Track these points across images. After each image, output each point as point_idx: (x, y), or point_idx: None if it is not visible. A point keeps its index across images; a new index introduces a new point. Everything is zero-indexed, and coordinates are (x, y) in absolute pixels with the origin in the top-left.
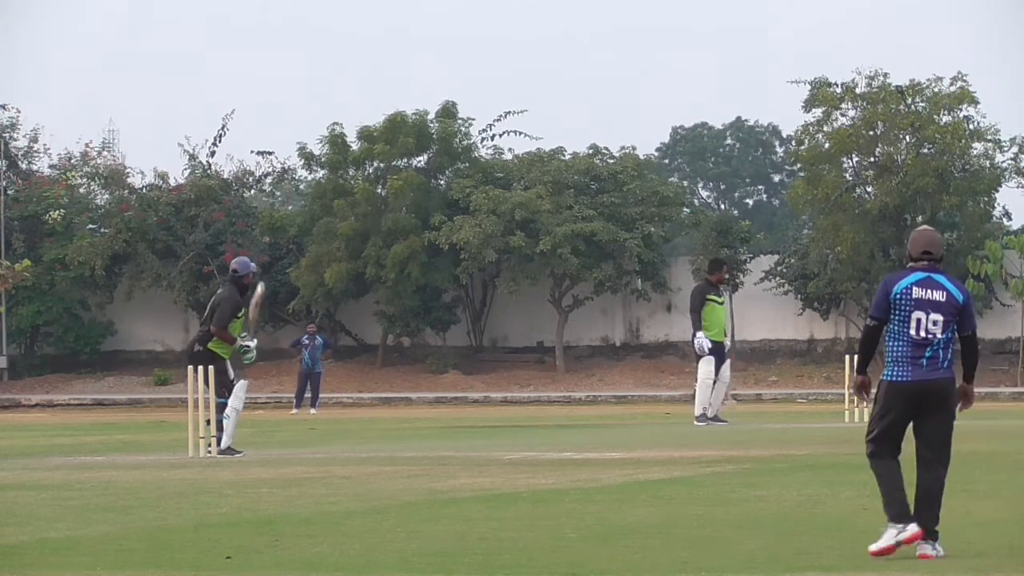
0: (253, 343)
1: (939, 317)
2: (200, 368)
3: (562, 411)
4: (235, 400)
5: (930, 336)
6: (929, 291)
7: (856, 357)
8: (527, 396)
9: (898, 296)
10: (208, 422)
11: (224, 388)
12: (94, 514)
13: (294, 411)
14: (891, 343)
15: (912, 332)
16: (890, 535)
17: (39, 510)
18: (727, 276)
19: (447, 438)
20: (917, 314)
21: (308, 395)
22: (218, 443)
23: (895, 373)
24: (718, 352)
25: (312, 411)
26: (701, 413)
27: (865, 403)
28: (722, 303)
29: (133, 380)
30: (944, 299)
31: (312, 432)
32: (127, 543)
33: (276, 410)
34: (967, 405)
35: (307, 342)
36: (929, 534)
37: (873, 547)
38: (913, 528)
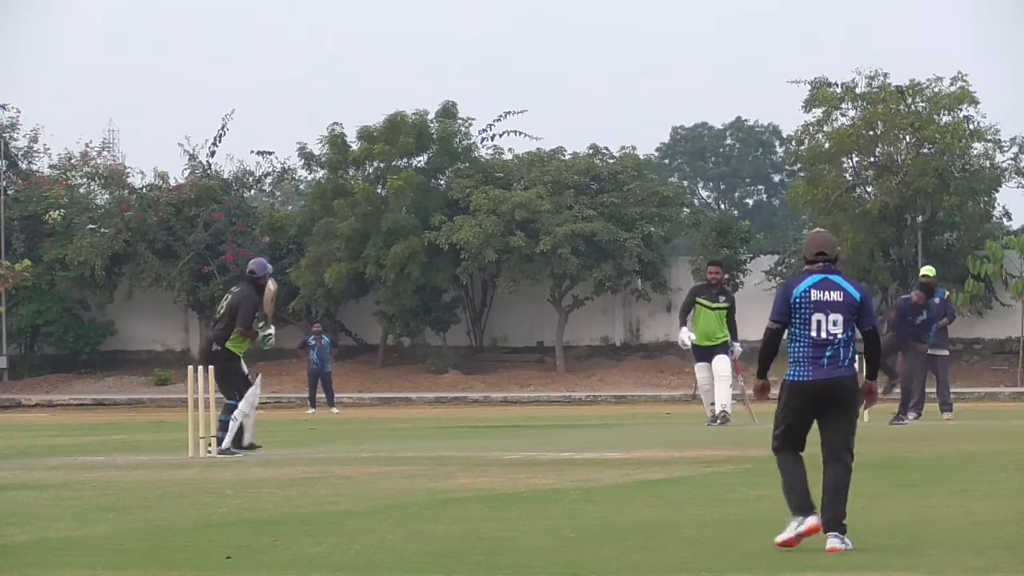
0: (271, 329)
1: (839, 317)
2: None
3: (562, 411)
4: (245, 405)
5: (831, 336)
6: (827, 292)
7: (759, 360)
8: (527, 396)
9: (798, 300)
10: (221, 421)
11: (235, 390)
12: (94, 514)
13: (311, 411)
14: (793, 345)
15: (813, 333)
16: (791, 527)
17: (39, 510)
18: (721, 276)
19: (447, 438)
20: (817, 316)
21: (321, 394)
22: (219, 443)
23: (796, 373)
24: (705, 356)
25: (334, 410)
26: (711, 415)
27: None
28: (714, 308)
29: (133, 380)
30: (842, 299)
31: (312, 432)
32: (127, 543)
33: (276, 410)
34: (871, 402)
35: (314, 342)
36: (837, 527)
37: (778, 538)
38: (811, 521)
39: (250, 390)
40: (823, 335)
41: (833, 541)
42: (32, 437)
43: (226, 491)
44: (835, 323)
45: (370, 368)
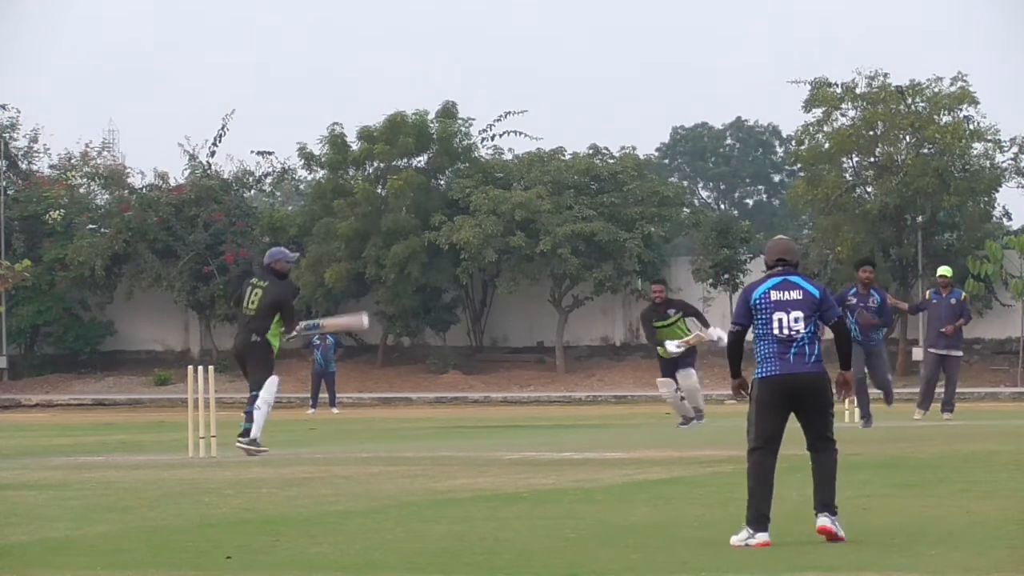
0: (303, 324)
1: (799, 314)
2: (200, 368)
3: (562, 411)
4: (266, 393)
5: (794, 332)
6: (786, 292)
7: (728, 362)
8: (527, 396)
9: (758, 301)
10: (246, 413)
11: (264, 381)
12: (94, 514)
13: (310, 411)
14: (759, 344)
15: (776, 331)
16: (743, 536)
17: (39, 510)
18: (664, 294)
19: (447, 438)
20: (778, 315)
21: (323, 395)
22: (247, 434)
23: (764, 369)
24: (669, 368)
25: (334, 410)
26: (683, 419)
27: (741, 400)
28: (669, 324)
29: (133, 380)
30: (801, 297)
31: (312, 432)
32: (127, 543)
33: (276, 410)
34: (848, 393)
35: (319, 342)
36: (828, 508)
37: (732, 539)
38: (762, 537)
39: (269, 379)
40: (786, 332)
41: (823, 520)
42: (32, 437)
43: (226, 491)
44: (796, 320)
45: (370, 368)
